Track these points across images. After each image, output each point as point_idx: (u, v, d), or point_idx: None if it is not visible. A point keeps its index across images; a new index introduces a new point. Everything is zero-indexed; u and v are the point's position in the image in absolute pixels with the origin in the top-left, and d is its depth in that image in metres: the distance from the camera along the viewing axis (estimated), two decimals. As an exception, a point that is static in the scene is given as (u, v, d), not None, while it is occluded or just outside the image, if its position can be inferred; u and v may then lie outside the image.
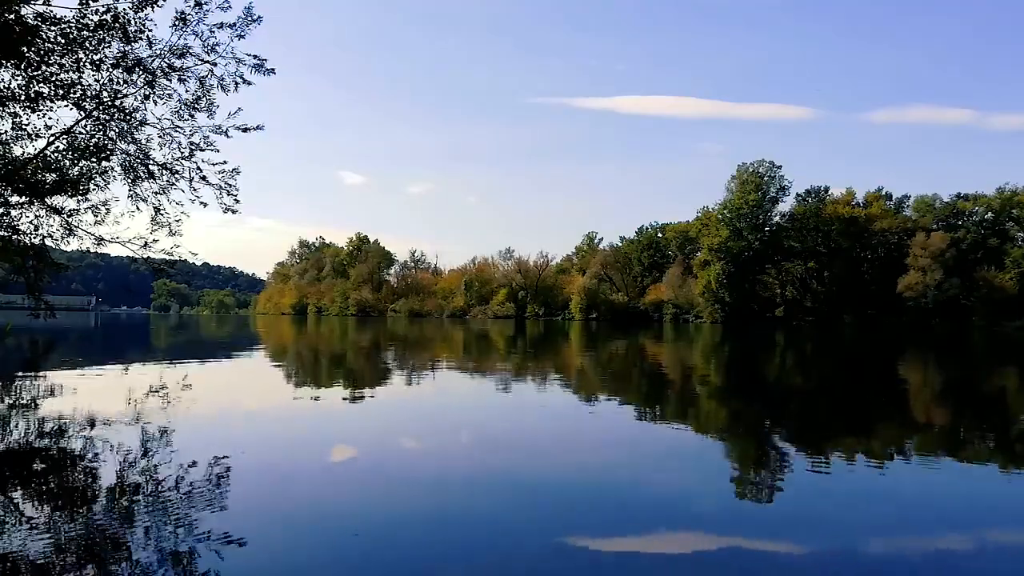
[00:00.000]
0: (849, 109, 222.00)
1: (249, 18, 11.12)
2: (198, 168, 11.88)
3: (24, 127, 11.02)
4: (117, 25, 10.46)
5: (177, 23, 10.95)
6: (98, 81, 10.96)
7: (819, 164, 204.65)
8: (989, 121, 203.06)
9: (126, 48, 10.82)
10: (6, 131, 11.05)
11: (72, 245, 12.47)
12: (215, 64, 11.31)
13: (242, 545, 4.08)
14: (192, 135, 11.74)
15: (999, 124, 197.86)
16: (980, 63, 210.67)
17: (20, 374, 14.10)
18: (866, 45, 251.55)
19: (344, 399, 11.21)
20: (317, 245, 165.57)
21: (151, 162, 11.98)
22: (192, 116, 11.64)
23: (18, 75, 10.37)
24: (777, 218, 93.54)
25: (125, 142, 11.78)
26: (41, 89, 10.56)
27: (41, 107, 10.76)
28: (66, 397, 10.29)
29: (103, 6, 10.34)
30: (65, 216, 12.07)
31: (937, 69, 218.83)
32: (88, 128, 11.52)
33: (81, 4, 10.22)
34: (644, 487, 5.80)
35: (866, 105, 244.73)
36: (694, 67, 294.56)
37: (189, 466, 5.84)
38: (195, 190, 11.97)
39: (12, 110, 10.75)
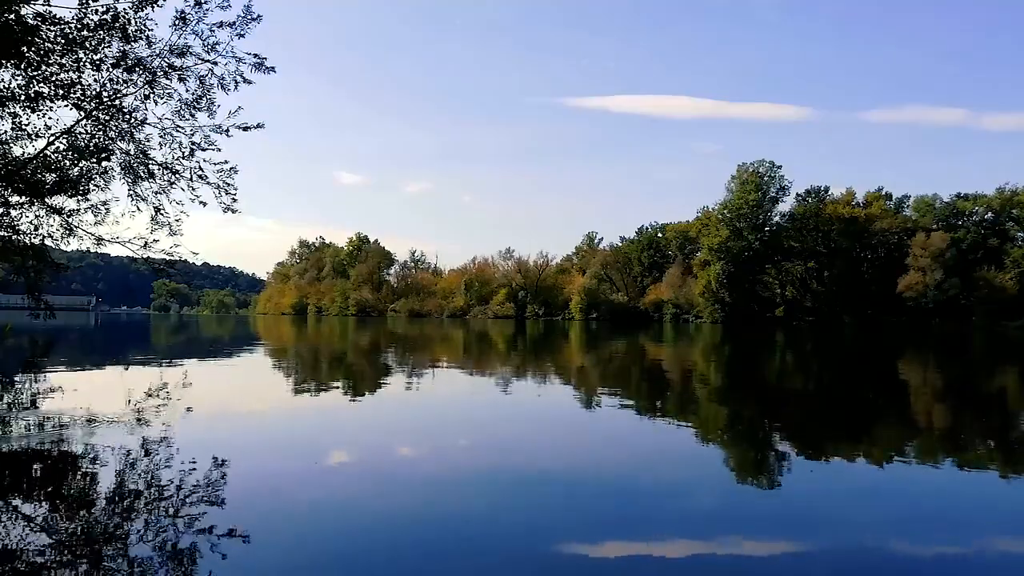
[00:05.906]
0: (844, 108, 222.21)
1: (248, 17, 11.12)
2: (199, 167, 11.87)
3: (24, 127, 10.99)
4: (117, 25, 10.44)
5: (177, 22, 10.94)
6: (98, 81, 10.95)
7: (815, 163, 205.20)
8: (982, 121, 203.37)
9: (126, 48, 10.81)
10: (6, 131, 11.03)
11: (72, 245, 12.43)
12: (215, 63, 11.31)
13: (245, 542, 4.09)
14: (193, 134, 11.73)
15: (992, 124, 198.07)
16: (973, 63, 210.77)
17: (20, 374, 14.09)
18: (860, 44, 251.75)
19: (344, 399, 11.21)
20: (317, 245, 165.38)
21: (151, 162, 11.97)
22: (192, 115, 11.63)
23: (18, 75, 10.36)
24: (777, 218, 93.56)
25: (125, 142, 11.76)
26: (41, 89, 10.54)
27: (41, 107, 10.74)
28: (66, 397, 10.28)
29: (103, 6, 10.33)
30: (65, 216, 12.05)
31: (930, 68, 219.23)
32: (88, 128, 11.49)
33: (81, 4, 10.20)
34: (644, 486, 5.80)
35: (861, 104, 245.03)
36: (690, 66, 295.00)
37: (190, 467, 5.84)
38: (194, 189, 11.96)
39: (12, 110, 10.73)
